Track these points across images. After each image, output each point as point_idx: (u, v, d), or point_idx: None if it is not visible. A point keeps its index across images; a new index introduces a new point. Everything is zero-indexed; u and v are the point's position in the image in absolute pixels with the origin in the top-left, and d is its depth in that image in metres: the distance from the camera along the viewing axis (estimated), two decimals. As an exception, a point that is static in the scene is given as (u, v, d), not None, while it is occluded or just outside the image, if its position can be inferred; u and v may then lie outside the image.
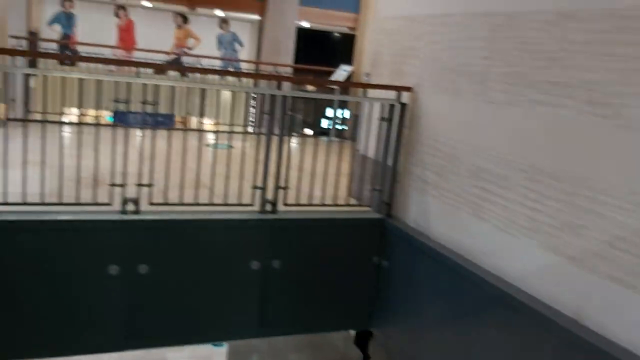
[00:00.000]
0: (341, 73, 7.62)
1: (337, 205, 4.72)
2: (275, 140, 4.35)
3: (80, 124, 4.14)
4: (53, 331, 3.92)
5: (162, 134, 4.24)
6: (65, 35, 10.32)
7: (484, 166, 3.81)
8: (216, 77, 7.89)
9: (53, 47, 10.05)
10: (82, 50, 9.98)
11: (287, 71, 9.68)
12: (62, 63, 10.80)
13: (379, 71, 4.96)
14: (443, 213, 4.24)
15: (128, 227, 3.98)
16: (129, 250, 3.98)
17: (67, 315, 3.92)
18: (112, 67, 8.42)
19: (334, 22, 13.02)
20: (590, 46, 3.03)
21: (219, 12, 12.65)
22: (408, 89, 4.49)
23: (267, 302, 4.41)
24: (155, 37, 10.34)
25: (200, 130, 4.84)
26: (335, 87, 6.32)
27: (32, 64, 7.90)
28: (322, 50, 11.10)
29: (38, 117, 6.49)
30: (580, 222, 3.06)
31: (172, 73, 8.24)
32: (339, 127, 7.57)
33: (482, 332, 3.65)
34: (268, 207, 4.37)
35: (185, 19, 11.04)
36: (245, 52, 12.67)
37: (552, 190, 3.23)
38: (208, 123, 7.08)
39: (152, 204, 4.09)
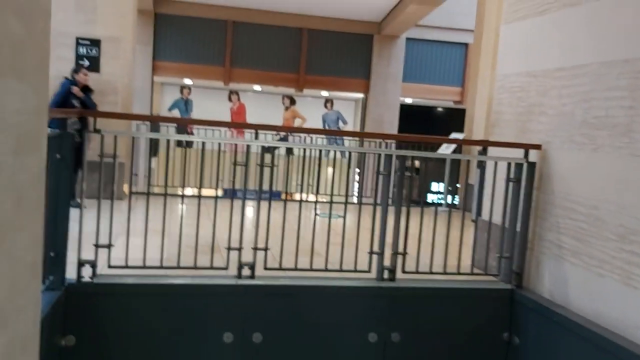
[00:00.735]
0: (456, 137, 7.44)
1: (460, 274, 4.34)
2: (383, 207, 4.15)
3: (198, 196, 4.14)
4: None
5: (273, 206, 4.17)
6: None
7: (634, 227, 3.34)
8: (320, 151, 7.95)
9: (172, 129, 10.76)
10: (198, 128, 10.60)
11: (392, 142, 9.61)
12: (179, 145, 11.53)
13: (501, 131, 4.68)
14: (584, 282, 3.74)
15: (243, 293, 3.86)
16: (243, 317, 3.84)
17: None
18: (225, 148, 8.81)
19: (438, 96, 12.97)
20: None
21: (324, 93, 13.07)
22: (537, 146, 4.16)
23: (386, 380, 4.04)
24: (265, 118, 10.77)
25: (316, 202, 4.61)
26: (445, 155, 6.07)
27: (155, 150, 8.54)
28: (425, 125, 11.00)
29: (157, 190, 6.81)
30: None
31: (281, 152, 8.44)
32: (449, 197, 7.25)
33: None
34: (386, 275, 4.10)
35: (292, 100, 11.49)
36: (349, 129, 12.86)
37: None
38: (312, 196, 7.04)
39: (266, 268, 3.97)
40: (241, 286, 3.86)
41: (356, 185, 9.81)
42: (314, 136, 8.23)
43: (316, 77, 11.91)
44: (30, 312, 1.69)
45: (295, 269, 4.05)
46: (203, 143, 4.20)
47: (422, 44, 12.67)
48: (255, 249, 3.93)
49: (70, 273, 3.60)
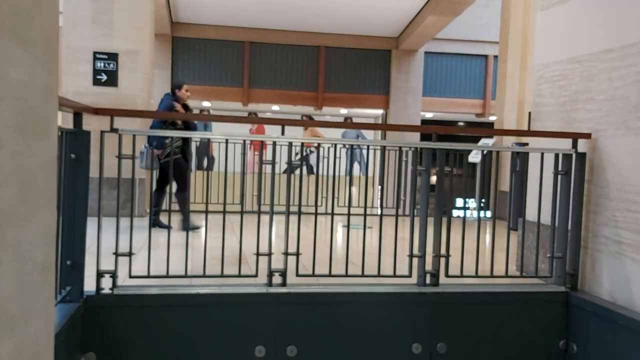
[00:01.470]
0: (486, 143, 7.13)
1: (508, 276, 3.99)
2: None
3: (223, 212, 3.84)
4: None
5: (302, 219, 3.81)
6: (203, 142, 11.04)
7: None
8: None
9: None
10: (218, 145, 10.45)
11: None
12: (199, 168, 11.42)
13: (543, 124, 4.37)
14: (651, 280, 3.38)
15: (275, 301, 3.56)
16: (276, 329, 3.53)
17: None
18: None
19: (459, 109, 12.70)
20: None
21: (344, 111, 12.87)
22: (587, 135, 3.84)
23: (434, 396, 3.67)
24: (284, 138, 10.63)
25: (348, 214, 4.26)
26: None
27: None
28: (449, 139, 10.75)
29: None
30: None
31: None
32: (481, 205, 6.93)
33: None
34: (428, 279, 3.77)
35: (311, 120, 11.33)
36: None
37: None
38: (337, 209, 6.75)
39: (299, 275, 3.67)
40: (273, 294, 3.56)
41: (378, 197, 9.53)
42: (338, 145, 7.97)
43: (335, 95, 11.72)
44: (42, 319, 1.45)
45: (330, 275, 3.73)
46: (225, 170, 3.89)
47: (441, 57, 12.46)
48: (286, 254, 3.63)
49: (89, 285, 3.35)
